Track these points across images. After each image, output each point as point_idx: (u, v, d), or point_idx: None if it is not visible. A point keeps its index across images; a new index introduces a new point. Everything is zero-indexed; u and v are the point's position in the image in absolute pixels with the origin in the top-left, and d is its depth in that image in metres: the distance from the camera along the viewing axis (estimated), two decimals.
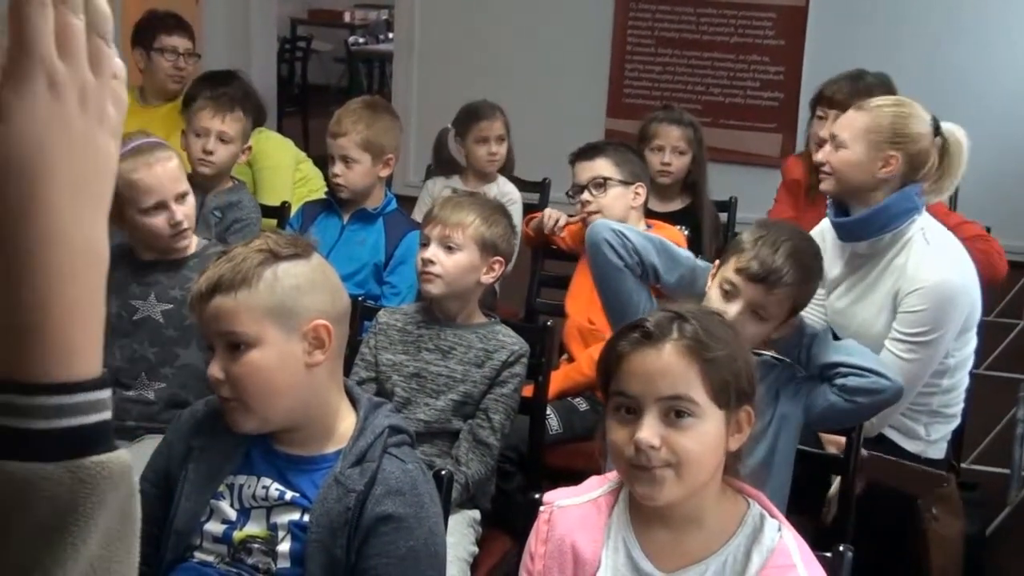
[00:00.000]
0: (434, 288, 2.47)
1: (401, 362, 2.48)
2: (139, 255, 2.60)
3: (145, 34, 4.09)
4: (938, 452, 2.72)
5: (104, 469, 0.65)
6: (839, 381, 2.17)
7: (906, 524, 2.61)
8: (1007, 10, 5.98)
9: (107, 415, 0.68)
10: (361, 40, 10.20)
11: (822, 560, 1.64)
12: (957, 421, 2.75)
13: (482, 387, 2.43)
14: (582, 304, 3.09)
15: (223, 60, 5.68)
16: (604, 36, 6.52)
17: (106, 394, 0.68)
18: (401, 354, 2.49)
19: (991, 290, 2.77)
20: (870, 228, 2.57)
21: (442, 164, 4.01)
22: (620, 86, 6.55)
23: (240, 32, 6.91)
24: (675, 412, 1.55)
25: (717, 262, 2.28)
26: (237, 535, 1.75)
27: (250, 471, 1.78)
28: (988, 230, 3.18)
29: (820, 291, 2.74)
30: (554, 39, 6.56)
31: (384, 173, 3.32)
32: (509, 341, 2.47)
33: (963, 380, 2.70)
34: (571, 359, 3.12)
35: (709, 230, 3.64)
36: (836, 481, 2.44)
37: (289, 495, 1.74)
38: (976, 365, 2.79)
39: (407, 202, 3.80)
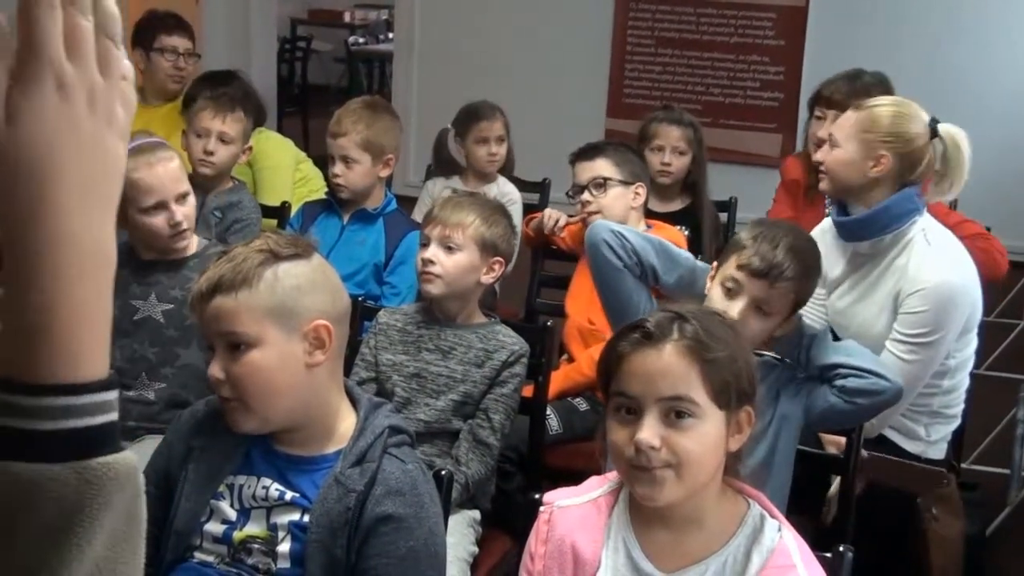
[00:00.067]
0: (434, 288, 2.48)
1: (401, 362, 2.48)
2: (140, 255, 2.61)
3: (145, 34, 4.09)
4: (938, 452, 2.72)
5: (110, 470, 0.66)
6: (839, 382, 2.17)
7: (906, 524, 2.61)
8: (1007, 10, 5.98)
9: (114, 416, 0.68)
10: (361, 40, 10.20)
11: (822, 560, 1.64)
12: (957, 422, 2.75)
13: (482, 387, 2.43)
14: (582, 304, 3.09)
15: (223, 60, 5.68)
16: (604, 36, 6.53)
17: (113, 396, 0.68)
18: (401, 354, 2.49)
19: (991, 290, 2.77)
20: (871, 228, 2.58)
21: (442, 164, 4.01)
22: (620, 86, 6.55)
23: (240, 32, 6.92)
24: (675, 413, 1.55)
25: (715, 264, 2.29)
26: (237, 535, 1.75)
27: (250, 471, 1.78)
28: (988, 230, 3.18)
29: (821, 291, 2.74)
30: (554, 39, 6.56)
31: (384, 173, 3.32)
32: (509, 341, 2.47)
33: (964, 381, 2.70)
34: (571, 359, 3.12)
35: (709, 230, 3.64)
36: (836, 481, 2.44)
37: (289, 495, 1.74)
38: (976, 365, 2.79)
39: (407, 202, 3.80)
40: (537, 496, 1.73)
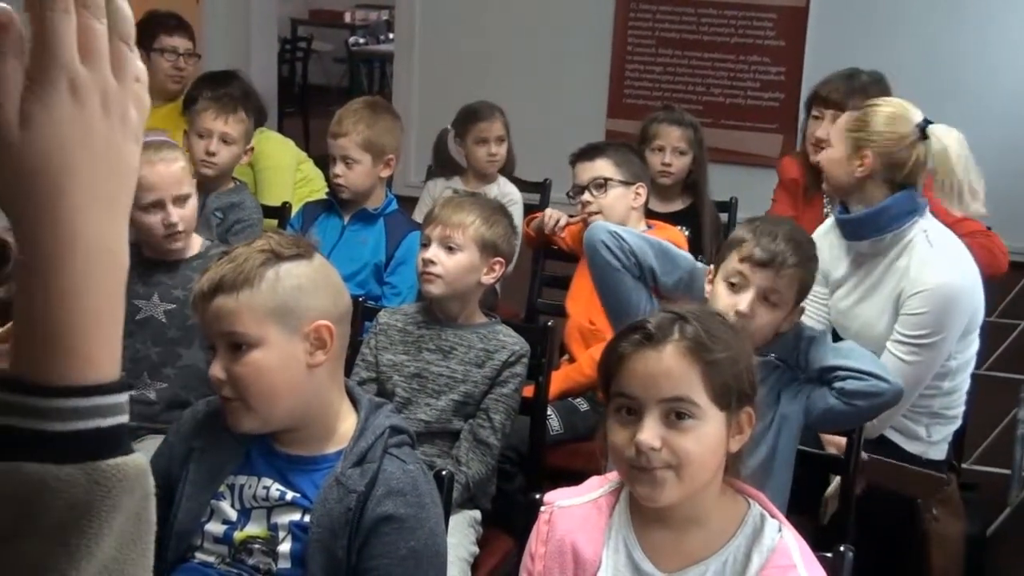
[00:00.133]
0: (435, 288, 2.48)
1: (402, 362, 2.48)
2: (144, 254, 2.61)
3: (145, 34, 4.08)
4: (939, 453, 2.72)
5: (120, 472, 0.66)
6: (838, 384, 2.17)
7: (907, 524, 2.61)
8: (1007, 10, 5.98)
9: (124, 418, 0.68)
10: (362, 40, 10.19)
11: (822, 560, 1.64)
12: (958, 423, 2.75)
13: (483, 387, 2.43)
14: (583, 304, 3.09)
15: (223, 60, 5.68)
16: (605, 36, 6.53)
17: (123, 398, 0.69)
18: (402, 354, 2.49)
19: (992, 290, 2.77)
20: (869, 228, 2.58)
21: (442, 165, 4.01)
22: (621, 86, 6.55)
23: (241, 32, 6.92)
24: (676, 414, 1.55)
25: (711, 267, 2.30)
26: (238, 535, 1.75)
27: (251, 471, 1.78)
28: (988, 229, 3.18)
29: (824, 291, 2.75)
30: (555, 40, 6.56)
31: (385, 173, 3.32)
32: (510, 341, 2.47)
33: (964, 382, 2.70)
34: (572, 359, 3.12)
35: (710, 231, 3.64)
36: (834, 481, 2.44)
37: (290, 495, 1.74)
38: (977, 366, 2.79)
39: (408, 203, 3.80)
40: (538, 496, 1.73)
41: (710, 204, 3.74)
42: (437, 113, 4.61)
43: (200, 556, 1.76)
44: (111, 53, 0.67)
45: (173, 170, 2.57)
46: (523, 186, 4.04)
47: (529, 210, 3.83)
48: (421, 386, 2.45)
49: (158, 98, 4.10)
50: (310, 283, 1.74)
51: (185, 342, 2.54)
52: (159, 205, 2.53)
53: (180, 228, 2.58)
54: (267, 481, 1.76)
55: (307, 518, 1.71)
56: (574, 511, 1.67)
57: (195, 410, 1.88)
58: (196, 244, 2.68)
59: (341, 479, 1.70)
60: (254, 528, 1.75)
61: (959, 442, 2.94)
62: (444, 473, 1.92)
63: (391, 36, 8.78)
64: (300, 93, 9.20)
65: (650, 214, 3.32)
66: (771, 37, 6.27)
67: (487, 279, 2.53)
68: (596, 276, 2.44)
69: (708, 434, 1.56)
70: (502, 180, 3.93)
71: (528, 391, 2.56)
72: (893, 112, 2.59)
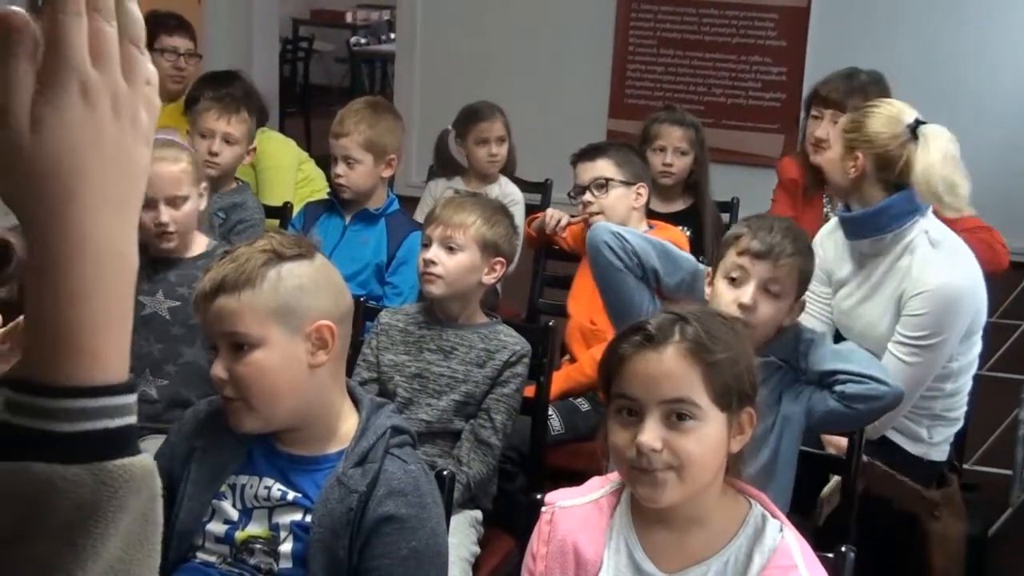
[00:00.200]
0: (435, 289, 2.48)
1: (403, 362, 2.48)
2: (150, 251, 2.61)
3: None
4: (940, 454, 2.71)
5: (126, 472, 0.66)
6: (838, 388, 2.17)
7: (908, 525, 2.61)
8: (1007, 10, 5.98)
9: (132, 420, 0.68)
10: (363, 40, 10.19)
11: (824, 560, 1.64)
12: (960, 424, 2.75)
13: (484, 387, 2.43)
14: (584, 305, 3.09)
15: (225, 60, 5.68)
16: (606, 37, 6.53)
17: (131, 399, 0.69)
18: (403, 355, 2.50)
19: (993, 289, 2.76)
20: (869, 227, 2.59)
21: (443, 165, 4.01)
22: (622, 87, 6.55)
23: (242, 32, 6.92)
24: (677, 415, 1.55)
25: (709, 269, 2.30)
26: (239, 535, 1.75)
27: (252, 471, 1.78)
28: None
29: (827, 290, 2.75)
30: (556, 40, 6.56)
31: (386, 173, 3.32)
32: (511, 341, 2.47)
33: (966, 384, 2.69)
34: (573, 360, 3.12)
35: (711, 231, 3.63)
36: (832, 481, 2.44)
37: (291, 495, 1.74)
38: (979, 366, 2.79)
39: (409, 203, 3.79)
40: (539, 496, 1.73)
41: (711, 204, 3.74)
42: (438, 113, 4.61)
43: (201, 556, 1.77)
44: (121, 56, 0.68)
45: (171, 170, 2.56)
46: (524, 186, 4.04)
47: (530, 210, 3.83)
48: (422, 386, 2.45)
49: (159, 98, 4.10)
50: (312, 283, 1.74)
51: (188, 340, 2.55)
52: (151, 204, 2.52)
53: (171, 229, 2.57)
54: (268, 481, 1.76)
55: (308, 518, 1.71)
56: (575, 511, 1.67)
57: (197, 410, 1.89)
58: (201, 243, 2.68)
59: (342, 479, 1.70)
60: (255, 528, 1.75)
61: (960, 443, 2.94)
62: (445, 473, 1.92)
63: (392, 36, 8.78)
64: (301, 93, 9.20)
65: (651, 214, 3.32)
66: (772, 37, 6.27)
67: (488, 279, 2.53)
68: (599, 277, 2.44)
69: (709, 435, 1.56)
70: (503, 180, 3.93)
71: (529, 391, 2.56)
72: (885, 113, 2.59)
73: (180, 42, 4.10)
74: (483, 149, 3.85)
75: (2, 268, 1.71)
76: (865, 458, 2.41)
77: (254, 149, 3.53)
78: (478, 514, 2.42)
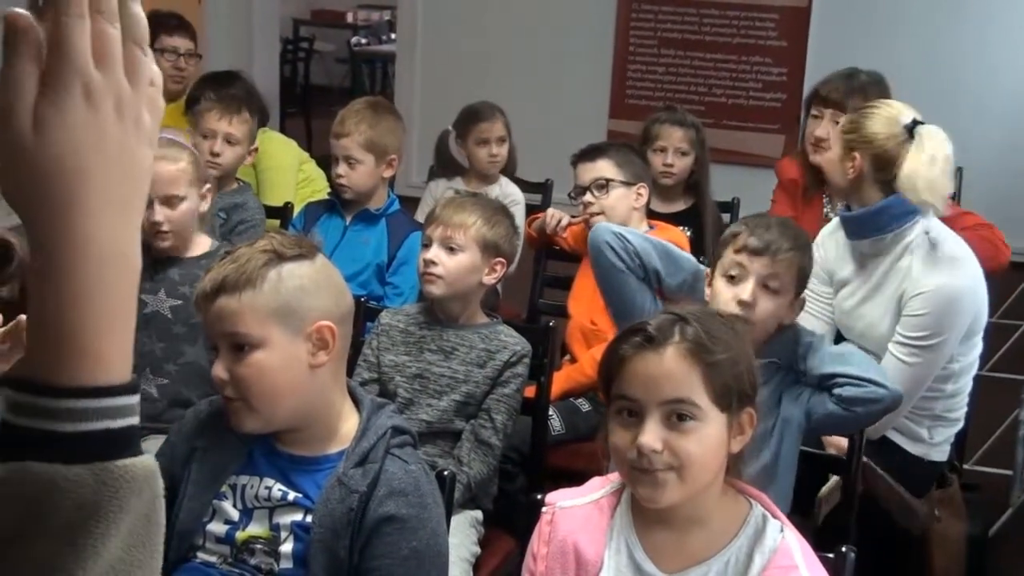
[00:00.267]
0: (436, 289, 2.48)
1: (403, 363, 2.48)
2: (152, 250, 2.61)
3: None
4: (941, 455, 2.71)
5: (128, 473, 0.66)
6: (836, 391, 2.17)
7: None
8: (1007, 10, 5.98)
9: (134, 420, 0.69)
10: (364, 41, 10.19)
11: (824, 560, 1.64)
12: (960, 424, 2.75)
13: (484, 387, 2.43)
14: (584, 305, 3.10)
15: (225, 60, 5.68)
16: (607, 37, 6.52)
17: (134, 399, 0.69)
18: (403, 355, 2.50)
19: (994, 289, 2.76)
20: (868, 227, 2.59)
21: (444, 165, 4.01)
22: (623, 87, 6.55)
23: (242, 32, 6.92)
24: (677, 415, 1.55)
25: (708, 270, 2.30)
26: (240, 535, 1.75)
27: (253, 471, 1.78)
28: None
29: (828, 290, 2.75)
30: (556, 40, 6.56)
31: (387, 174, 3.32)
32: (511, 341, 2.47)
33: (967, 385, 2.69)
34: (573, 360, 3.12)
35: (712, 231, 3.63)
36: (831, 481, 2.44)
37: (292, 495, 1.74)
38: (979, 367, 2.79)
39: (410, 203, 3.80)
40: (539, 497, 1.73)
41: (712, 205, 3.74)
42: (439, 113, 4.61)
43: (202, 556, 1.77)
44: (125, 57, 0.68)
45: (168, 170, 2.56)
46: (525, 186, 4.04)
47: (531, 211, 3.83)
48: (423, 387, 2.45)
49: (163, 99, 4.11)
50: (312, 283, 1.74)
51: (189, 339, 2.55)
52: (147, 203, 2.52)
53: (165, 228, 2.57)
54: (269, 481, 1.76)
55: (309, 518, 1.71)
56: (576, 512, 1.67)
57: (197, 410, 1.89)
58: (205, 243, 2.68)
59: (343, 479, 1.70)
60: (256, 528, 1.75)
61: (961, 443, 2.94)
62: (446, 473, 1.92)
63: (393, 36, 8.78)
64: (302, 93, 9.20)
65: (652, 215, 3.32)
66: (773, 38, 6.27)
67: (488, 279, 2.53)
68: (600, 277, 2.44)
69: (709, 435, 1.56)
70: (504, 180, 3.93)
71: (530, 391, 2.56)
72: (883, 114, 2.59)
73: (180, 42, 4.10)
74: (483, 149, 3.86)
75: (3, 268, 1.71)
76: (864, 459, 2.41)
77: (255, 149, 3.54)
78: (478, 514, 2.42)
